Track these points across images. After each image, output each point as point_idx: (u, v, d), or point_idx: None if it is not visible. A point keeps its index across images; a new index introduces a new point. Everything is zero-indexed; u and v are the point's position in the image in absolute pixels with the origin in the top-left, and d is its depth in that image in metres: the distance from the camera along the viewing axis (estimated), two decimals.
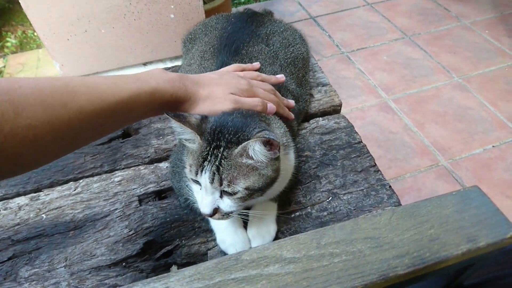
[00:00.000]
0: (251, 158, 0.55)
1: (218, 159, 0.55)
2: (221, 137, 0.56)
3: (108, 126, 0.55)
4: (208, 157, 0.56)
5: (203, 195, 0.58)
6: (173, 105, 0.60)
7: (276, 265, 0.32)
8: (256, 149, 0.54)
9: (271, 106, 0.67)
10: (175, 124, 0.57)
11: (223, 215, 0.58)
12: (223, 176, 0.55)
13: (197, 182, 0.59)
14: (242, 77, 0.69)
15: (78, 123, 0.48)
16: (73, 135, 0.49)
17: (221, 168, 0.55)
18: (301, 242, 0.34)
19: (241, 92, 0.65)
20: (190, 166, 0.58)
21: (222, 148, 0.55)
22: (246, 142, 0.54)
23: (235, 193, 0.56)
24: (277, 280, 0.31)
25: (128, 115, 0.55)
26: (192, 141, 0.58)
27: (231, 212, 0.58)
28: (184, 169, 0.61)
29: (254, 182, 0.56)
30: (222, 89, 0.64)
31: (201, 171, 0.56)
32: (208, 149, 0.56)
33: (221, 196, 0.57)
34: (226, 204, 0.58)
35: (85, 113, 0.48)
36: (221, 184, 0.55)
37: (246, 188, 0.56)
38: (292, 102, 0.76)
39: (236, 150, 0.55)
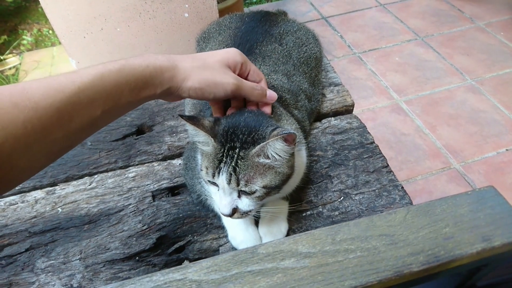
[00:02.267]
0: (268, 157, 0.55)
1: (234, 160, 0.56)
2: (235, 138, 0.56)
3: (80, 120, 0.47)
4: (224, 158, 0.56)
5: (221, 196, 0.58)
6: (157, 78, 0.53)
7: (291, 259, 0.33)
8: (277, 147, 0.54)
9: (270, 93, 0.63)
10: (189, 127, 0.57)
11: (242, 214, 0.59)
12: (240, 176, 0.56)
13: (214, 184, 0.59)
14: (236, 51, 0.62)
15: (38, 123, 0.42)
16: (35, 139, 0.43)
17: (237, 168, 0.56)
18: (316, 237, 0.35)
19: (235, 65, 0.60)
20: (206, 169, 0.58)
21: (237, 149, 0.56)
22: (264, 143, 0.54)
23: (253, 192, 0.57)
24: (293, 273, 0.32)
25: (97, 101, 0.48)
26: (206, 143, 0.58)
27: (250, 211, 0.59)
28: (200, 172, 0.62)
29: (271, 180, 0.57)
30: (217, 59, 0.58)
31: (218, 173, 0.57)
32: (222, 150, 0.57)
33: (239, 196, 0.58)
34: (245, 203, 0.58)
35: (42, 109, 0.42)
36: (238, 184, 0.56)
37: (264, 187, 0.57)
38: (274, 94, 0.65)
39: (254, 151, 0.55)
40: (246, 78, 0.62)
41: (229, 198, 0.58)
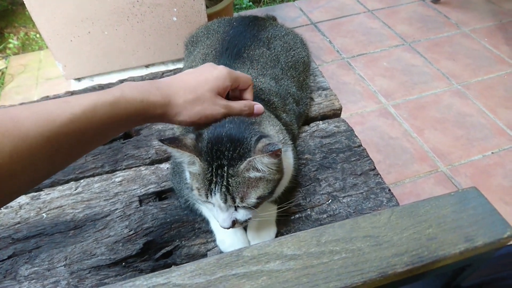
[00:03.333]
0: (258, 170, 0.55)
1: (225, 179, 0.55)
2: (221, 155, 0.56)
3: (68, 150, 0.48)
4: (214, 178, 0.56)
5: (219, 212, 0.58)
6: (150, 112, 0.55)
7: (276, 262, 0.33)
8: (264, 161, 0.54)
9: (258, 108, 0.66)
10: (171, 150, 0.56)
11: (242, 223, 0.60)
12: (234, 195, 0.56)
13: (210, 202, 0.59)
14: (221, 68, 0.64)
15: (26, 152, 0.42)
16: (21, 167, 0.43)
17: (230, 187, 0.55)
18: (301, 239, 0.35)
19: (225, 89, 0.62)
20: (198, 190, 0.58)
21: (225, 167, 0.55)
22: (251, 158, 0.54)
23: (249, 204, 0.57)
24: (278, 276, 0.32)
25: (88, 133, 0.49)
26: (192, 163, 0.58)
27: (249, 219, 0.60)
28: (191, 192, 0.61)
29: (264, 190, 0.57)
30: (208, 89, 0.60)
31: (211, 194, 0.57)
32: (210, 170, 0.56)
33: (235, 209, 0.58)
34: (242, 214, 0.59)
35: (32, 139, 0.42)
36: (234, 202, 0.56)
37: (258, 198, 0.57)
38: (261, 108, 0.67)
39: (242, 166, 0.55)
40: (237, 89, 0.66)
41: (227, 213, 0.58)
